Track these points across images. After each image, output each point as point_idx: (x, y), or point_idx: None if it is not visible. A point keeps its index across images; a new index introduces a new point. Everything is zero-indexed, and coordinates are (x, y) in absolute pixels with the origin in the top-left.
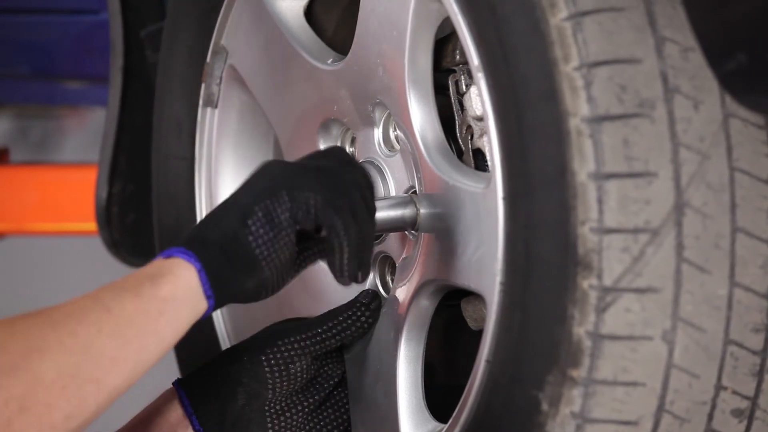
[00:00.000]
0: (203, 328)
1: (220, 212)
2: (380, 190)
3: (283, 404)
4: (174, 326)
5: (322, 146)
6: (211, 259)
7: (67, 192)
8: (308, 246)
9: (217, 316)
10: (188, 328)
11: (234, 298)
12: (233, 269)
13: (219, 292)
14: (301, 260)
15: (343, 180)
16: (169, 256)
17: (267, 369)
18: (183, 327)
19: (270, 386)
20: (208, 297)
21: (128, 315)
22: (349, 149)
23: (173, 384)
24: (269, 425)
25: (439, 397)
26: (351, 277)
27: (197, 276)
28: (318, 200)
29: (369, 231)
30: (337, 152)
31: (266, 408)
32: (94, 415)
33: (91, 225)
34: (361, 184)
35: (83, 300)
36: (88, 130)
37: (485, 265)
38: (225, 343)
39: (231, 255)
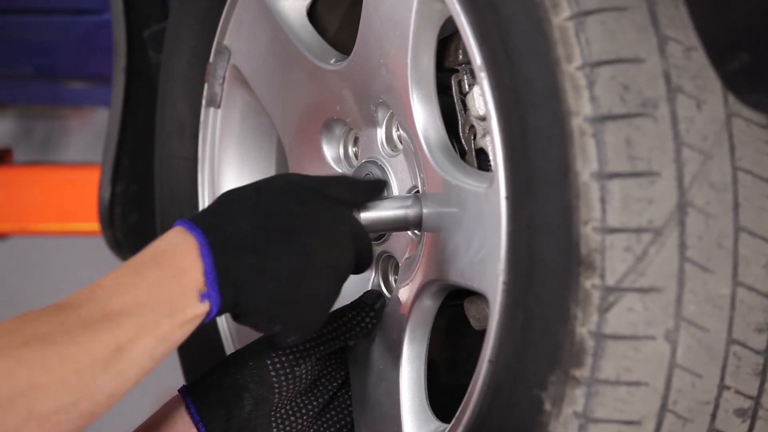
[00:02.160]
0: (206, 329)
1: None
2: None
3: (288, 408)
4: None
5: (324, 146)
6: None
7: (71, 192)
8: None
9: (221, 317)
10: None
11: None
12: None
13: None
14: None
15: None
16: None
17: (273, 373)
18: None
19: (276, 390)
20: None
21: (138, 357)
22: (351, 149)
23: (179, 391)
24: (275, 430)
25: (442, 396)
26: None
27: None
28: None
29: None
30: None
31: (272, 413)
32: None
33: (95, 225)
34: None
35: (99, 321)
36: (91, 131)
37: (488, 265)
38: (228, 343)
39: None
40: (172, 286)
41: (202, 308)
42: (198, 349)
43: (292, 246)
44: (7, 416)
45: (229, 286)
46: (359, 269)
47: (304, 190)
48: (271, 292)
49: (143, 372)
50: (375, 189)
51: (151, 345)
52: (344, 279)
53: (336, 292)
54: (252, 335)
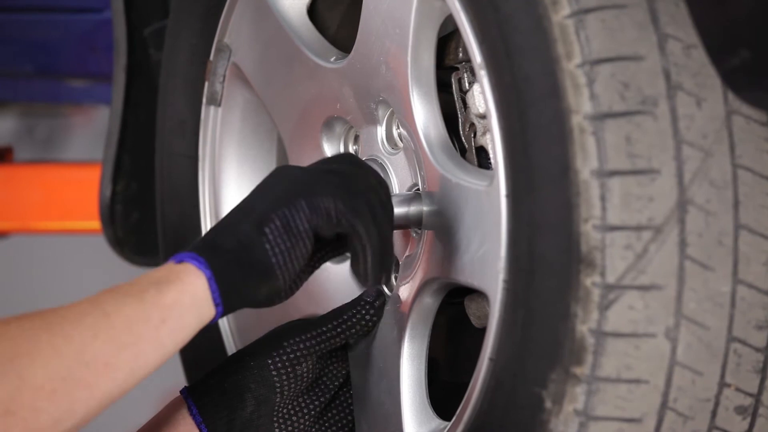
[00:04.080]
0: (207, 327)
1: (234, 218)
2: None
3: (290, 408)
4: (176, 334)
5: (325, 144)
6: (223, 266)
7: (71, 190)
8: (319, 248)
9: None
10: (192, 335)
11: (244, 305)
12: (246, 277)
13: (228, 300)
14: (312, 263)
15: (359, 183)
16: (179, 262)
17: (274, 372)
18: (186, 335)
19: (278, 389)
20: (216, 305)
21: (127, 321)
22: (352, 147)
23: (181, 393)
24: (277, 430)
25: (443, 394)
26: (375, 281)
27: (207, 284)
28: (338, 206)
29: (389, 233)
30: (347, 157)
31: (274, 413)
32: (84, 420)
33: (95, 223)
34: (376, 187)
35: (82, 304)
36: (92, 129)
37: (488, 262)
38: (229, 341)
39: (244, 263)
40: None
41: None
42: (199, 350)
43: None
44: None
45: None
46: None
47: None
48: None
49: (144, 341)
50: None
51: (148, 314)
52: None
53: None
54: (253, 335)
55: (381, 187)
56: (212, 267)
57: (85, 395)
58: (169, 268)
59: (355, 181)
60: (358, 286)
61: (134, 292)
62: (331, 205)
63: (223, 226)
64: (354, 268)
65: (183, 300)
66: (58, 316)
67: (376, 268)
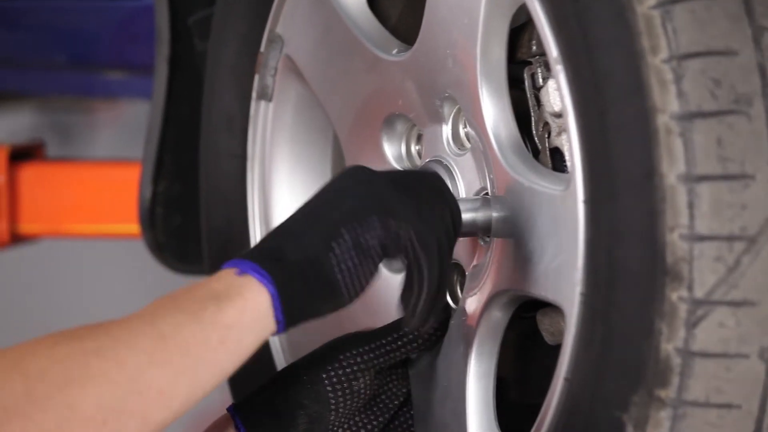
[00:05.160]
0: None
1: (300, 226)
2: None
3: (345, 428)
4: (235, 355)
5: (385, 144)
6: (286, 281)
7: (108, 191)
8: None
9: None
10: (250, 354)
11: (303, 321)
12: (309, 294)
13: (290, 317)
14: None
15: (435, 214)
16: (241, 273)
17: (329, 388)
18: (245, 355)
19: (333, 407)
20: (278, 322)
21: (184, 343)
22: (414, 147)
23: (228, 410)
24: None
25: (513, 417)
26: (420, 322)
27: (270, 301)
28: (410, 236)
29: (448, 274)
30: (430, 178)
31: None
32: None
33: (134, 227)
34: (449, 220)
35: (135, 322)
36: (129, 124)
37: (564, 274)
38: (279, 355)
39: (309, 279)
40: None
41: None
42: (246, 364)
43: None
44: (47, 416)
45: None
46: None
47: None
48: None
49: (202, 365)
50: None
51: (206, 335)
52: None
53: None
54: (306, 347)
55: (455, 221)
56: (276, 282)
57: (137, 424)
58: (229, 280)
59: (432, 210)
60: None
61: (192, 309)
62: (404, 233)
63: (288, 233)
64: (404, 300)
65: (244, 319)
66: (110, 337)
67: (426, 309)
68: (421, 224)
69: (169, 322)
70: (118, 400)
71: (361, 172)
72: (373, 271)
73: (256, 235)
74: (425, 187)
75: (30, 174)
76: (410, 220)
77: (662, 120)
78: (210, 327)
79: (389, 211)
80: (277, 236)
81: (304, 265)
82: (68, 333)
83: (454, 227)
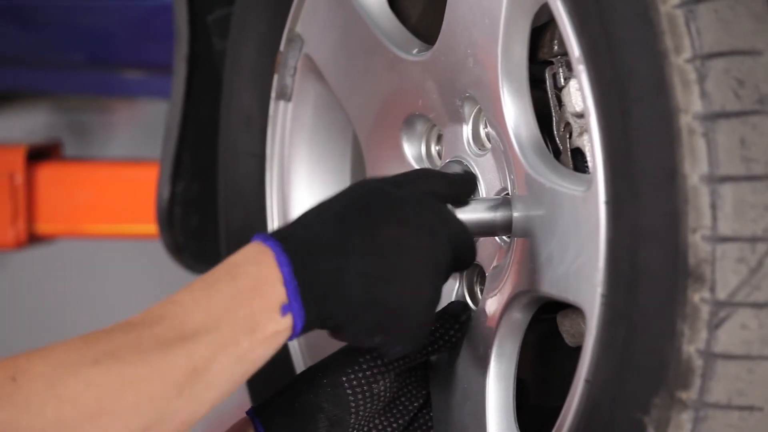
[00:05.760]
0: None
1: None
2: None
3: (365, 431)
4: (257, 364)
5: (405, 144)
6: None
7: (126, 191)
8: None
9: None
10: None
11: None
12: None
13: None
14: None
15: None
16: (286, 312)
17: (349, 391)
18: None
19: (353, 410)
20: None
21: (214, 378)
22: (434, 147)
23: (247, 413)
24: None
25: (533, 419)
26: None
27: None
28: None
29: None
30: (428, 209)
31: None
32: None
33: (152, 227)
34: (448, 249)
35: (175, 350)
36: (147, 124)
37: (585, 275)
38: (298, 358)
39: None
40: (250, 299)
41: (285, 323)
42: (265, 366)
43: (379, 242)
44: None
45: (311, 295)
46: (460, 266)
47: (387, 187)
48: (360, 296)
49: (221, 395)
50: (468, 183)
51: (230, 365)
52: (444, 276)
53: (436, 291)
54: (325, 350)
55: (458, 244)
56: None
57: None
58: (254, 276)
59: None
60: None
61: (226, 335)
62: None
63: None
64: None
65: (273, 318)
66: (147, 364)
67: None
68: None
69: (203, 354)
70: (144, 428)
71: (373, 190)
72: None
73: None
74: (429, 217)
75: (47, 174)
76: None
77: (685, 120)
78: (239, 362)
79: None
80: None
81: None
82: (107, 345)
83: (458, 248)
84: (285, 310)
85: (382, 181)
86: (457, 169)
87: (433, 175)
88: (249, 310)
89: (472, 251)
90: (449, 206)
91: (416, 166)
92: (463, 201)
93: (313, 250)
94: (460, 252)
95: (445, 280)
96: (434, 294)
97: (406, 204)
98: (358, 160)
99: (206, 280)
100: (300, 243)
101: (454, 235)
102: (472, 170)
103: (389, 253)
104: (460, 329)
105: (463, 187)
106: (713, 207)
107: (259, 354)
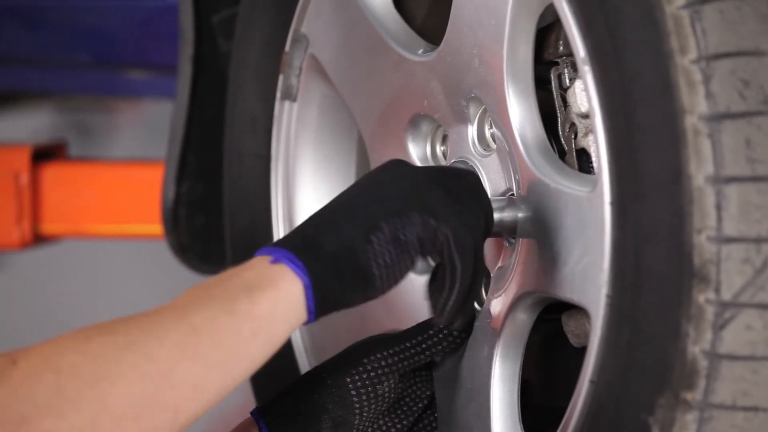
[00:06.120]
0: None
1: (338, 216)
2: None
3: (369, 431)
4: (267, 346)
5: (410, 144)
6: (321, 273)
7: (131, 191)
8: None
9: (294, 333)
10: (281, 345)
11: (334, 311)
12: (342, 286)
13: (322, 308)
14: None
15: (473, 217)
16: (275, 261)
17: (353, 392)
18: (276, 346)
19: (357, 411)
20: (309, 312)
21: (216, 336)
22: (440, 148)
23: (252, 414)
24: None
25: (537, 419)
26: (447, 321)
27: (303, 291)
28: (448, 236)
29: (481, 278)
30: (468, 177)
31: None
32: None
33: (157, 228)
34: (484, 224)
35: (167, 313)
36: (151, 124)
37: (590, 276)
38: (302, 358)
39: (344, 270)
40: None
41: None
42: (270, 367)
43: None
44: (79, 414)
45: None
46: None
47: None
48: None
49: (234, 357)
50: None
51: (238, 327)
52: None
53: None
54: (329, 350)
55: (488, 223)
56: (311, 273)
57: (169, 418)
58: (263, 269)
59: (470, 212)
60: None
61: (224, 301)
62: (443, 233)
63: (325, 222)
64: (433, 298)
65: (277, 311)
66: (142, 331)
67: (454, 309)
68: (460, 226)
69: (201, 315)
70: (149, 395)
71: (403, 166)
72: (409, 266)
73: (279, 236)
74: (464, 188)
75: (52, 174)
76: (450, 221)
77: (690, 121)
78: (242, 319)
79: (430, 210)
80: (313, 225)
81: (340, 256)
82: (100, 327)
83: (487, 230)
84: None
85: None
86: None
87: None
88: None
89: (492, 217)
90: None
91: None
92: None
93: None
94: (487, 228)
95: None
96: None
97: (447, 175)
98: (363, 161)
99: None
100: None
101: (486, 208)
102: (478, 171)
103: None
104: (464, 330)
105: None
106: (718, 208)
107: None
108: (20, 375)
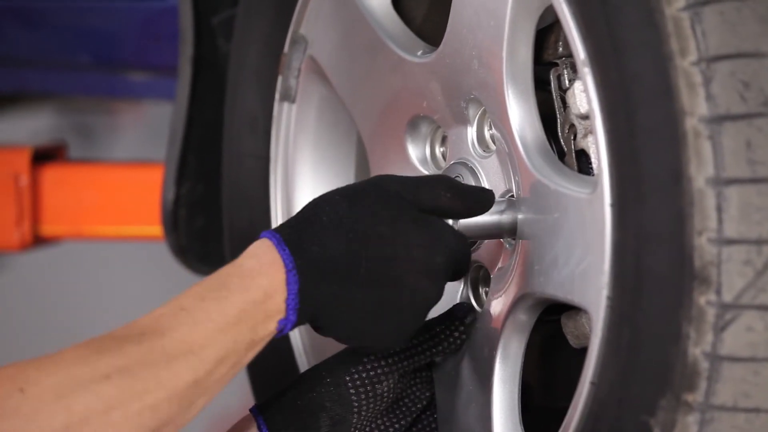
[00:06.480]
0: (278, 343)
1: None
2: None
3: (367, 431)
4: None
5: (409, 146)
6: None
7: (131, 193)
8: None
9: (294, 330)
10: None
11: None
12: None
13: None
14: None
15: (443, 248)
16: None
17: (352, 391)
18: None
19: (355, 409)
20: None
21: (211, 386)
22: (439, 149)
23: (251, 411)
24: None
25: (538, 421)
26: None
27: (285, 303)
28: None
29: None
30: (433, 229)
31: None
32: None
33: (157, 229)
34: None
35: (181, 363)
36: (151, 126)
37: (590, 277)
38: (302, 357)
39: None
40: (256, 314)
41: (275, 329)
42: (268, 365)
43: (382, 278)
44: None
45: (307, 313)
46: (454, 278)
47: (401, 203)
48: (352, 321)
49: (210, 399)
50: (483, 200)
51: (225, 372)
52: (432, 306)
53: (423, 319)
54: (328, 350)
55: (458, 259)
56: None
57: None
58: (265, 291)
59: (442, 247)
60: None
61: (230, 349)
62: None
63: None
64: None
65: (269, 329)
66: (156, 379)
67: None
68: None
69: (206, 368)
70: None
71: (386, 185)
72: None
73: None
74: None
75: (52, 175)
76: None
77: (691, 123)
78: (235, 368)
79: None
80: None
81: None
82: (122, 364)
83: (457, 264)
84: (281, 323)
85: (399, 186)
86: (461, 170)
87: (445, 185)
88: (253, 323)
89: (467, 266)
90: (449, 221)
91: (420, 168)
92: (471, 215)
93: (320, 270)
94: (457, 266)
95: (433, 306)
96: (421, 320)
97: (416, 235)
98: (362, 162)
99: (217, 284)
100: (310, 260)
101: (453, 252)
102: (477, 172)
103: (390, 289)
104: (465, 331)
105: (477, 202)
106: (719, 209)
107: (250, 358)
108: (30, 411)
